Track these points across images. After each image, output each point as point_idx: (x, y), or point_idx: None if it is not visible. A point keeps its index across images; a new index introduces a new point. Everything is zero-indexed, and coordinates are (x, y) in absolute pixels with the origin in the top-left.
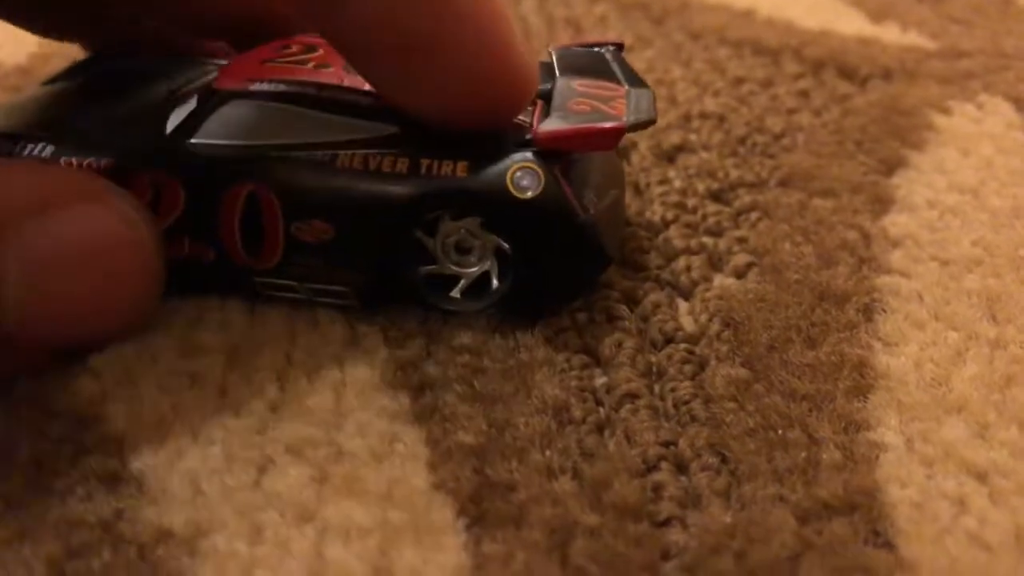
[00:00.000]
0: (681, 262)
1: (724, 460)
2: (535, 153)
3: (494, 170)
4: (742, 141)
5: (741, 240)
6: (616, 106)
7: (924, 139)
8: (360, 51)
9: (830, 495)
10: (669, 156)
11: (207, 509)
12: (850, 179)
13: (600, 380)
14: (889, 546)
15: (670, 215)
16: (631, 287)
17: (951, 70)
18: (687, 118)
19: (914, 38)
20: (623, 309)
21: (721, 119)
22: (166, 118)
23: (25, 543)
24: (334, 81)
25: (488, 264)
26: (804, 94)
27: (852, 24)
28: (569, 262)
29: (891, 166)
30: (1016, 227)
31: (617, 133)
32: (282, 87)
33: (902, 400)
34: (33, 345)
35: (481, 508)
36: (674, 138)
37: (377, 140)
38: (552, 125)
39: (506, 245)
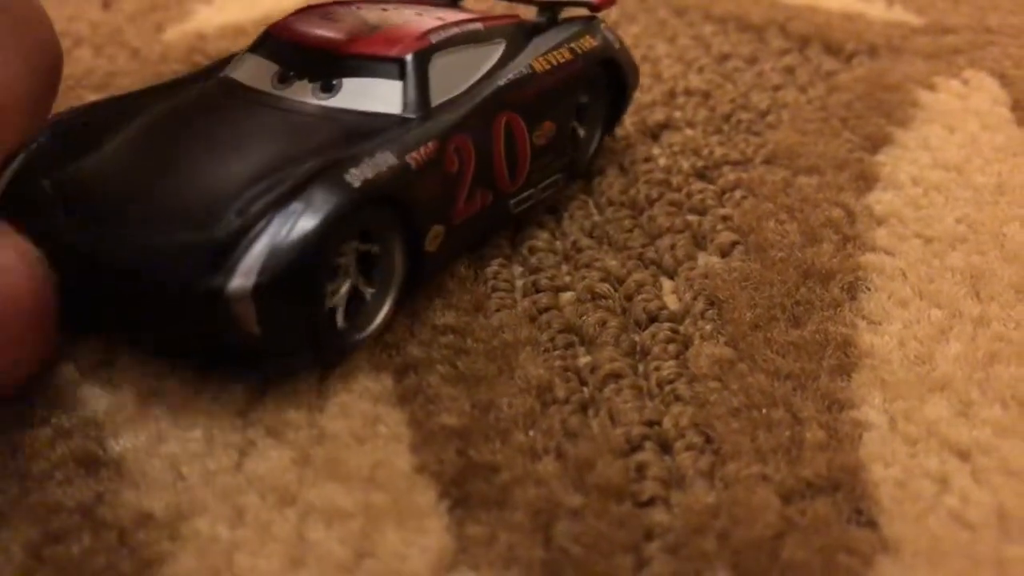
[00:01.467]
0: (665, 240)
1: (708, 440)
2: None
3: (607, 35)
4: (727, 118)
5: (726, 218)
6: None
7: (909, 116)
8: None
9: (813, 474)
10: (653, 133)
11: (188, 492)
12: (835, 156)
13: (584, 360)
14: (872, 525)
15: (654, 193)
16: (615, 266)
17: (936, 46)
18: (671, 95)
19: (899, 13)
20: (607, 288)
21: (706, 96)
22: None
23: (2, 528)
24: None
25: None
26: (789, 70)
27: None
28: (635, 80)
29: (876, 143)
30: (1000, 204)
31: None
32: (452, 31)
33: (886, 379)
34: None
35: (464, 490)
36: (658, 115)
37: (519, 44)
38: None
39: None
